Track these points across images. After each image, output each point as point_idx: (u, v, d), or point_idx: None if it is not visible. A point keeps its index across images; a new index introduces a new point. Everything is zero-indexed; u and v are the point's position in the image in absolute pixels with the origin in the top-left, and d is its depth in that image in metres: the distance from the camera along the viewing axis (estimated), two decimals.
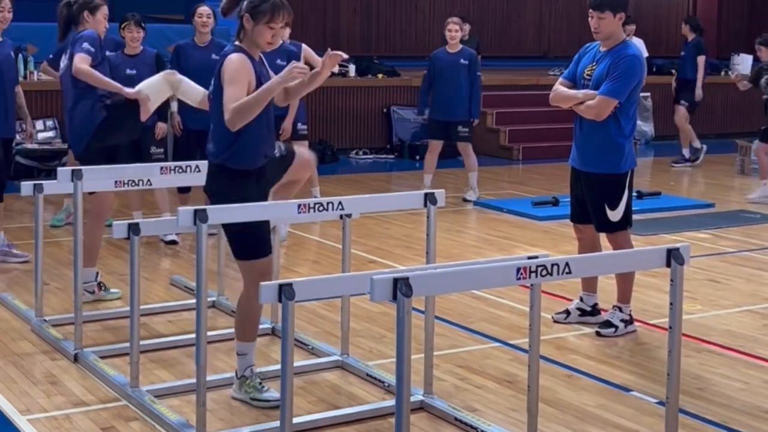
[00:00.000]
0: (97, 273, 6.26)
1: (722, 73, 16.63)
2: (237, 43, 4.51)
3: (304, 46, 9.02)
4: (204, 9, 8.04)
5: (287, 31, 7.68)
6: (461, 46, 10.03)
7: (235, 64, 4.40)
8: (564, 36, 17.93)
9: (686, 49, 12.93)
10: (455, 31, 9.83)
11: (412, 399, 4.31)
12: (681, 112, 12.80)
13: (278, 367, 3.90)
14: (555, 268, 3.48)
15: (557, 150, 12.56)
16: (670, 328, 3.75)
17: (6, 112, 7.21)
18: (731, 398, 4.82)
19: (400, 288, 3.14)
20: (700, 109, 15.88)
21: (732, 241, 8.36)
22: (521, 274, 3.42)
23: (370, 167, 12.62)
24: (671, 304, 3.73)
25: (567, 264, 3.51)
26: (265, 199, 4.76)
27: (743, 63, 17.00)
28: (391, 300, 3.17)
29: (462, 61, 9.93)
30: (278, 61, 8.20)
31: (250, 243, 4.55)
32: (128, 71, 7.63)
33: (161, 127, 7.87)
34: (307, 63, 9.20)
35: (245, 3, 4.47)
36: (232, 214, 4.45)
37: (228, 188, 4.54)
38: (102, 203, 6.14)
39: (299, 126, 8.92)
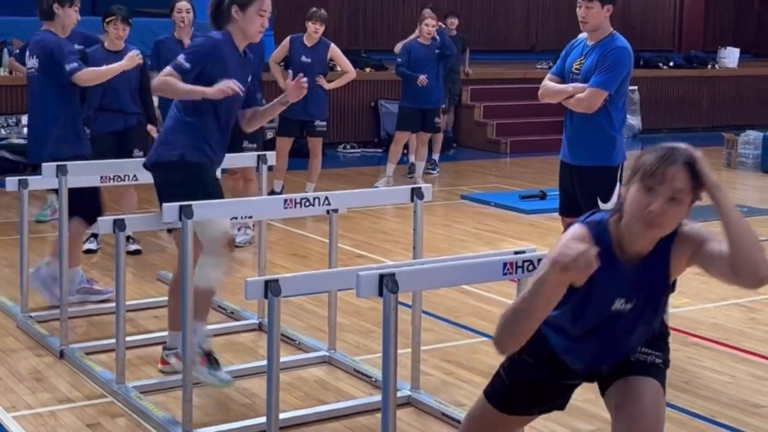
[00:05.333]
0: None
1: (709, 66, 16.66)
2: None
3: (332, 45, 9.05)
4: (183, 4, 7.94)
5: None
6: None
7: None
8: (551, 30, 17.93)
9: None
10: (432, 26, 10.13)
11: (400, 394, 4.30)
12: None
13: (265, 362, 3.88)
14: (541, 262, 3.47)
15: (545, 143, 12.58)
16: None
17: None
18: (718, 392, 4.82)
19: (386, 284, 3.12)
20: (686, 102, 15.97)
21: (719, 234, 8.36)
22: (508, 269, 3.40)
23: (357, 161, 12.61)
24: None
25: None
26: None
27: (730, 56, 17.08)
28: (378, 296, 3.16)
29: (437, 51, 10.22)
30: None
31: None
32: None
33: (152, 129, 7.71)
34: (331, 61, 9.28)
35: None
36: (216, 210, 4.43)
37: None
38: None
39: (317, 122, 8.93)
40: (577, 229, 2.92)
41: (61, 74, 5.89)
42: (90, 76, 6.00)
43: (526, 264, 3.42)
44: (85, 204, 5.83)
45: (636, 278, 2.92)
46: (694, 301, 6.35)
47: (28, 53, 6.18)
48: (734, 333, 5.73)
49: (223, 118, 4.65)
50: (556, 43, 13.27)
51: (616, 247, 2.89)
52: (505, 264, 3.39)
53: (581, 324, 3.00)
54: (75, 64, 5.92)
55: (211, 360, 4.54)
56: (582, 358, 3.09)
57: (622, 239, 2.89)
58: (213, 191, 4.61)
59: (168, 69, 4.58)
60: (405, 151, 10.80)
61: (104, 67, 6.22)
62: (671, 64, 16.28)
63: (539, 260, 3.47)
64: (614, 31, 5.68)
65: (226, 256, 4.63)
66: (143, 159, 5.10)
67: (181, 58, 4.57)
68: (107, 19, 7.35)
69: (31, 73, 6.09)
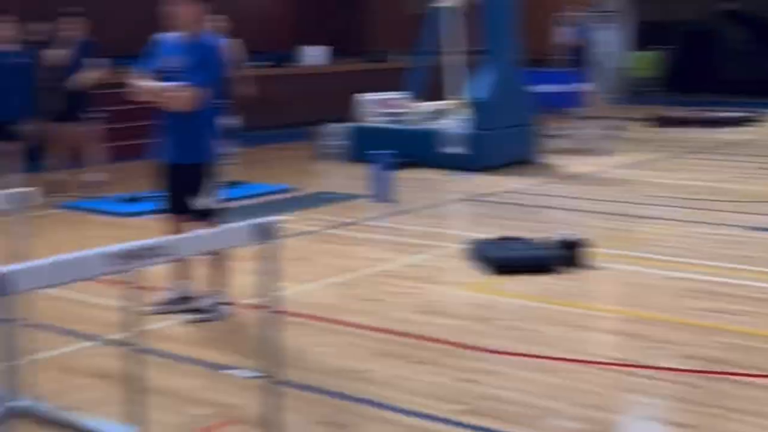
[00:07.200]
0: None
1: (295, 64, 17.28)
2: None
3: None
4: None
5: None
6: None
7: None
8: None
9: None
10: None
11: (16, 405, 4.17)
12: None
13: None
14: (148, 252, 3.51)
15: (137, 148, 12.43)
16: (263, 305, 3.90)
17: None
18: (324, 363, 5.13)
19: None
20: (277, 101, 16.48)
21: (315, 221, 8.83)
22: (117, 261, 3.40)
23: None
24: (263, 280, 3.86)
25: (161, 246, 3.55)
26: None
27: (315, 54, 17.86)
28: None
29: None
30: None
31: None
32: None
33: None
34: None
35: None
36: None
37: None
38: None
39: None
40: None
41: None
42: None
43: (131, 256, 3.46)
44: None
45: None
46: (294, 283, 6.64)
47: None
48: (330, 308, 6.09)
49: None
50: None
51: None
52: (110, 256, 3.39)
53: None
54: None
55: None
56: None
57: None
58: None
59: None
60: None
61: None
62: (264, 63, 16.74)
63: (150, 248, 3.50)
64: (206, 30, 5.81)
65: None
66: None
67: None
68: None
69: None
